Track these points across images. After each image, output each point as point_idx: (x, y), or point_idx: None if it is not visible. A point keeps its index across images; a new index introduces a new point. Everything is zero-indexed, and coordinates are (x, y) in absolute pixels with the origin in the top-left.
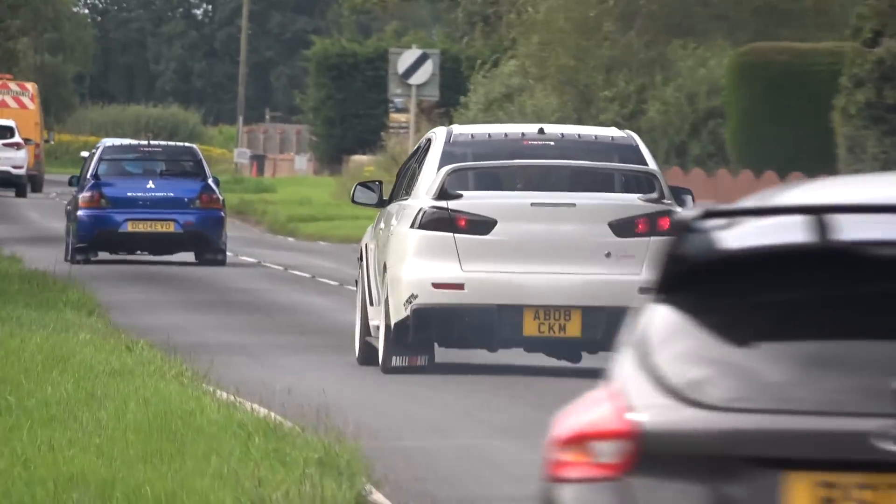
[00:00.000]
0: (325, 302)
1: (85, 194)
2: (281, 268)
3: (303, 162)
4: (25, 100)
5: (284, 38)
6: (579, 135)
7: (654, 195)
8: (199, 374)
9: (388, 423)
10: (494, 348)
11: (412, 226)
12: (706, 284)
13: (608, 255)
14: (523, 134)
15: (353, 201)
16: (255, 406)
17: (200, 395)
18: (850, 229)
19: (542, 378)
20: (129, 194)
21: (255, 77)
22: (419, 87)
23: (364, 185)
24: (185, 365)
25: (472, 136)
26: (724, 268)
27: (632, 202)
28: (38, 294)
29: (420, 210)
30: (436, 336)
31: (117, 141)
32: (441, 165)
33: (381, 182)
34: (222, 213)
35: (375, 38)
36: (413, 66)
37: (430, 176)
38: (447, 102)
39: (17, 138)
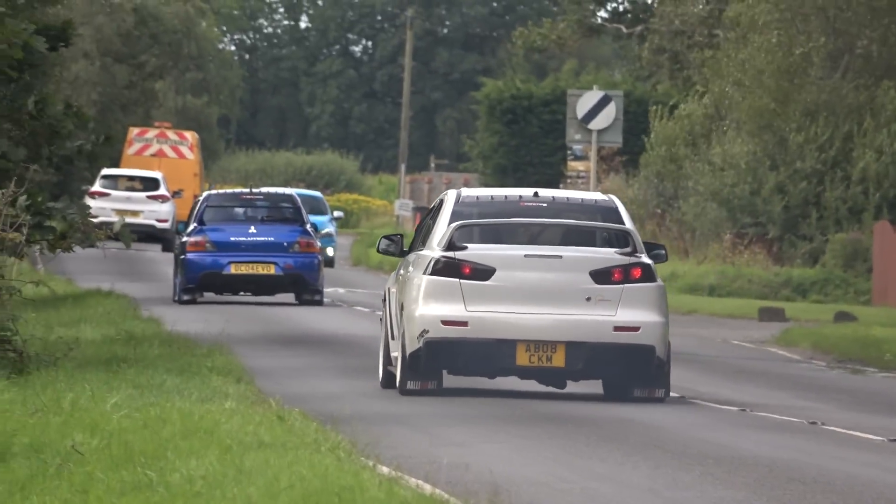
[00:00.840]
0: None
1: (191, 239)
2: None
3: None
4: (184, 149)
5: (452, 78)
6: (568, 198)
7: (629, 249)
8: (357, 446)
9: (566, 501)
10: (493, 376)
11: (425, 272)
12: None
13: (588, 299)
14: (521, 197)
15: (378, 251)
16: (420, 482)
17: (359, 470)
18: None
19: (731, 452)
20: (232, 238)
21: (420, 121)
22: (600, 132)
23: (388, 237)
24: (341, 436)
25: (477, 197)
26: None
27: (609, 255)
28: (180, 359)
29: (432, 259)
30: (444, 364)
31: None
32: (451, 222)
33: (402, 235)
34: (319, 257)
35: (552, 79)
36: (594, 109)
37: (442, 230)
38: (631, 149)
39: (162, 191)
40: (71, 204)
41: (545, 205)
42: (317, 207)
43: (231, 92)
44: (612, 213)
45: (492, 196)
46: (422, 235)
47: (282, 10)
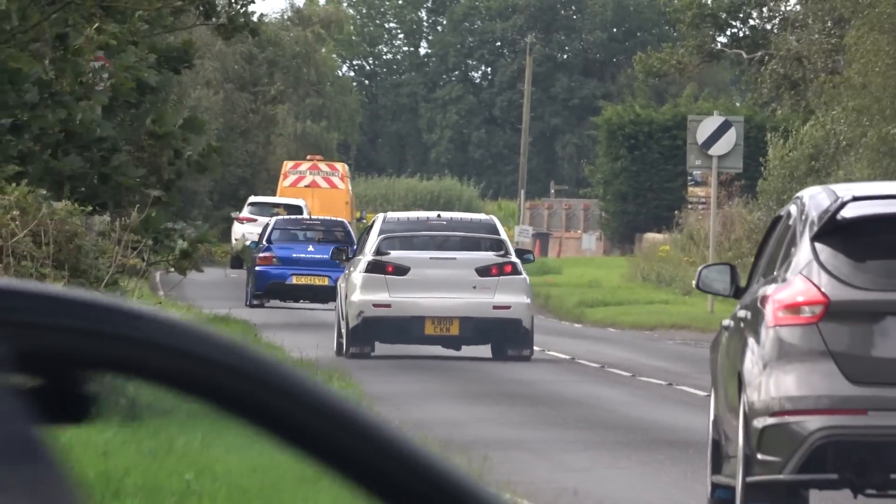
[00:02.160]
0: (615, 394)
1: (261, 254)
2: (567, 357)
3: (591, 241)
4: (336, 179)
5: (571, 104)
6: (461, 218)
7: (502, 252)
8: (476, 472)
9: None
10: (409, 343)
11: (361, 271)
12: None
13: (474, 287)
14: (428, 217)
15: (331, 258)
16: None
17: None
18: None
19: None
20: (293, 255)
21: (539, 147)
22: (720, 158)
23: (337, 247)
24: (460, 463)
25: (398, 218)
26: None
27: (489, 256)
28: None
29: (366, 261)
30: (375, 335)
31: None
32: (379, 235)
33: (349, 245)
34: None
35: (671, 104)
36: (714, 134)
37: (373, 241)
38: (751, 175)
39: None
40: (188, 225)
41: (445, 223)
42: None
43: (350, 118)
44: (491, 228)
45: (408, 217)
46: (361, 246)
47: (401, 36)
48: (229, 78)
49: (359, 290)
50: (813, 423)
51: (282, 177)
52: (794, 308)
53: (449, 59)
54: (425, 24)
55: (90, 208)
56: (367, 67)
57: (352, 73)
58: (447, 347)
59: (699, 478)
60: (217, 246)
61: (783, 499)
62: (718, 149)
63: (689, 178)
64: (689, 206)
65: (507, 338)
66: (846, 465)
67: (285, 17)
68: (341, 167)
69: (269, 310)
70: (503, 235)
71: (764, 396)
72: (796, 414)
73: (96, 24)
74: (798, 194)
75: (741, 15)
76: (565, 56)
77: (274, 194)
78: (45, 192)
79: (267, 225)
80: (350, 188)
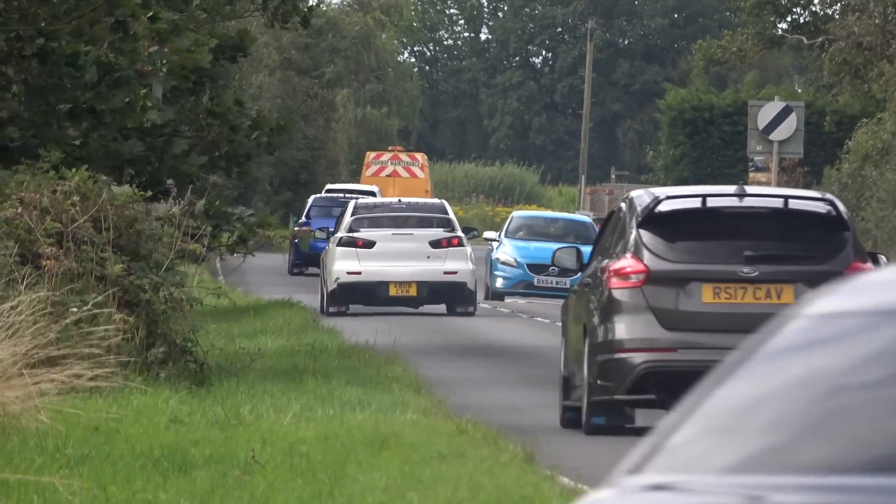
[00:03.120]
0: None
1: (300, 228)
2: None
3: None
4: (416, 169)
5: (632, 89)
6: (417, 201)
7: (450, 229)
8: (536, 457)
9: None
10: (376, 304)
11: (337, 245)
12: None
13: (428, 257)
14: (391, 202)
15: (315, 236)
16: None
17: (539, 481)
18: None
19: None
20: (330, 229)
21: (600, 132)
22: (781, 143)
23: (321, 230)
24: (521, 447)
25: (366, 204)
26: None
27: (439, 232)
28: (360, 370)
29: (340, 237)
30: (348, 297)
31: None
32: (351, 216)
33: (331, 228)
34: None
35: (733, 90)
36: (775, 120)
37: (347, 221)
38: (812, 160)
39: None
40: (248, 209)
41: (404, 206)
42: (585, 235)
43: (411, 104)
44: (442, 210)
45: (374, 203)
46: (337, 226)
47: (462, 22)
48: (290, 64)
49: (335, 261)
50: (638, 358)
51: (364, 167)
52: (624, 276)
53: (510, 45)
54: (486, 9)
55: (150, 193)
56: (428, 53)
57: (412, 59)
58: (407, 306)
59: None
60: (277, 229)
61: (616, 414)
62: (779, 134)
63: (750, 163)
64: None
65: (454, 298)
66: (661, 388)
67: (346, 2)
68: (421, 157)
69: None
70: (451, 215)
71: (602, 340)
72: (626, 352)
73: (150, 13)
74: (626, 195)
75: (802, 0)
76: (626, 42)
77: (335, 180)
78: (105, 177)
79: (306, 202)
80: (429, 177)
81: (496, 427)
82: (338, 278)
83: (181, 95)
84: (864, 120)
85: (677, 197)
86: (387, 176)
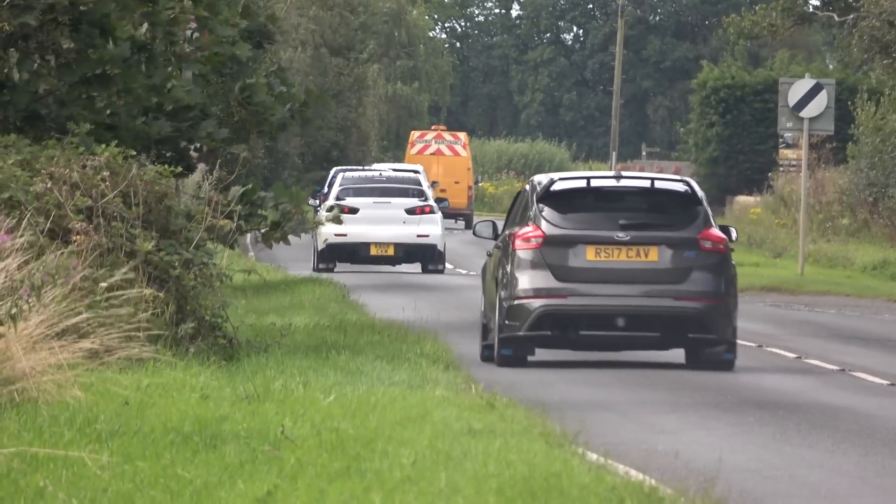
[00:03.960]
0: None
1: (314, 201)
2: None
3: None
4: (458, 147)
5: (663, 66)
6: (397, 175)
7: (424, 198)
8: (566, 433)
9: (776, 489)
10: (358, 262)
11: (326, 211)
12: None
13: (404, 222)
14: (373, 175)
15: (308, 203)
16: (629, 469)
17: (568, 457)
18: None
19: None
20: (325, 192)
21: (630, 109)
22: (812, 120)
23: (313, 196)
24: (550, 423)
25: (352, 175)
26: None
27: (414, 201)
28: (390, 346)
29: (330, 206)
30: (335, 256)
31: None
32: (339, 186)
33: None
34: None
35: (765, 68)
36: (805, 97)
37: (335, 190)
38: (843, 138)
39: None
40: (282, 193)
41: (385, 178)
42: None
43: (441, 80)
44: (418, 182)
45: (359, 174)
46: (327, 194)
47: None
48: (323, 42)
49: (325, 225)
50: (536, 303)
51: (409, 145)
52: (526, 239)
53: (541, 22)
54: None
55: (179, 169)
56: (459, 29)
57: (443, 35)
58: (386, 265)
59: (788, 439)
60: (309, 209)
61: (521, 347)
62: (810, 111)
63: (781, 140)
64: (781, 169)
65: (426, 258)
66: (554, 327)
67: None
68: (463, 136)
69: (357, 273)
70: (425, 187)
71: (510, 289)
72: (527, 298)
73: None
74: (531, 178)
75: None
76: (657, 18)
77: (366, 156)
78: (134, 153)
79: (327, 175)
80: (470, 155)
81: (526, 403)
82: (326, 239)
83: (211, 76)
84: (858, 99)
85: (568, 179)
86: (431, 154)
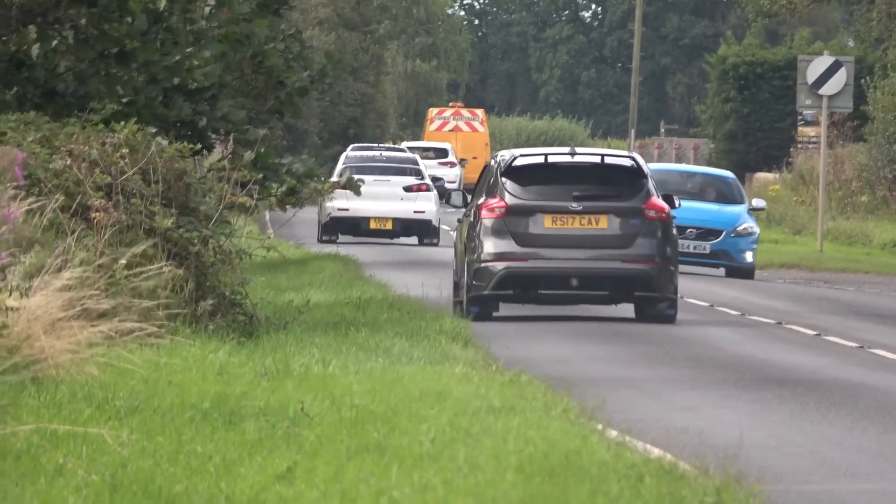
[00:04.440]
0: (723, 333)
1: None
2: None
3: None
4: (476, 124)
5: (682, 43)
6: (396, 155)
7: (420, 177)
8: (585, 409)
9: (795, 466)
10: (359, 235)
11: (338, 176)
12: None
13: (402, 199)
14: (374, 155)
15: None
16: (648, 446)
17: (587, 433)
18: None
19: None
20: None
21: (649, 86)
22: (831, 98)
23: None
24: (569, 400)
25: (355, 155)
26: None
27: (412, 180)
28: (409, 323)
29: (334, 181)
30: (338, 229)
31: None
32: (343, 164)
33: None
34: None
35: (784, 46)
36: (824, 74)
37: (339, 168)
38: (862, 115)
39: (451, 158)
40: (296, 160)
41: (385, 157)
42: (727, 194)
43: (460, 57)
44: (415, 161)
45: (361, 154)
46: (331, 172)
47: None
48: (342, 20)
49: (328, 199)
50: (500, 266)
51: (427, 122)
52: (491, 209)
53: None
54: None
55: (199, 147)
56: (477, 6)
57: (462, 13)
58: (384, 238)
59: (808, 417)
60: (324, 183)
61: (486, 304)
62: (829, 88)
63: (800, 117)
64: (800, 146)
65: (422, 232)
66: (516, 286)
67: None
68: (480, 112)
69: (376, 248)
70: (421, 167)
71: (477, 253)
72: (492, 261)
73: None
74: (495, 154)
75: None
76: None
77: (384, 133)
78: (153, 129)
79: (341, 153)
80: (487, 131)
81: (546, 379)
82: (330, 213)
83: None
84: (868, 76)
85: (528, 155)
86: (449, 131)
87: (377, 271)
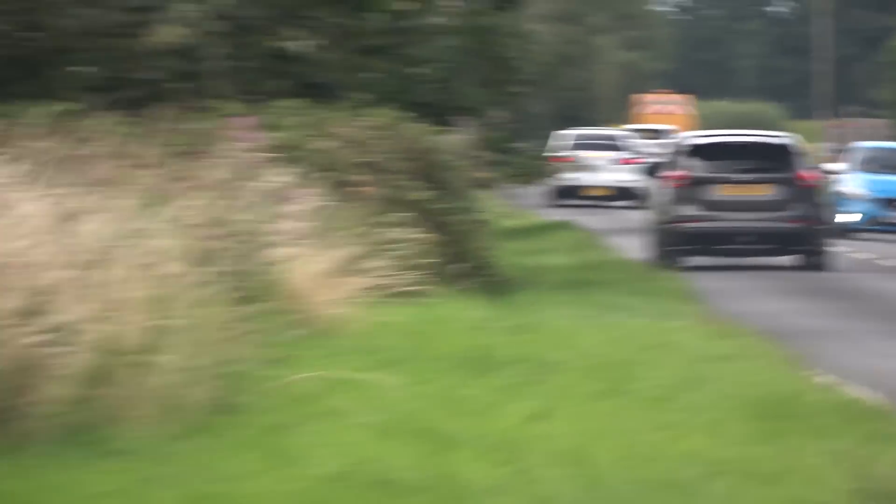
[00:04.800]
0: None
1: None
2: (871, 255)
3: None
4: (681, 107)
5: (867, 35)
6: (610, 128)
7: (631, 153)
8: (798, 358)
9: None
10: (583, 200)
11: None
12: None
13: (617, 170)
14: (597, 131)
15: None
16: (859, 389)
17: (803, 378)
18: None
19: None
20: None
21: (837, 74)
22: None
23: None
24: (783, 350)
25: (581, 132)
26: None
27: (626, 154)
28: (638, 282)
29: (562, 155)
30: (565, 196)
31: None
32: (574, 141)
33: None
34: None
35: None
36: None
37: (565, 145)
38: None
39: (662, 139)
40: (530, 145)
41: (603, 136)
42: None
43: (665, 47)
44: (626, 139)
45: (582, 132)
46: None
47: None
48: (562, 15)
49: (557, 173)
50: (685, 226)
51: (640, 106)
52: (677, 179)
53: None
54: None
55: (442, 127)
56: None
57: (667, 8)
58: (603, 202)
59: None
60: (551, 161)
61: (674, 257)
62: None
63: None
64: None
65: (634, 199)
66: (698, 243)
67: None
68: (685, 98)
69: (597, 213)
70: (633, 143)
71: (667, 215)
72: (679, 223)
73: None
74: (679, 135)
75: None
76: None
77: (599, 118)
78: (405, 114)
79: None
80: (692, 114)
81: (762, 331)
82: (557, 184)
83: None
84: None
85: (704, 136)
86: (661, 114)
87: (601, 236)
